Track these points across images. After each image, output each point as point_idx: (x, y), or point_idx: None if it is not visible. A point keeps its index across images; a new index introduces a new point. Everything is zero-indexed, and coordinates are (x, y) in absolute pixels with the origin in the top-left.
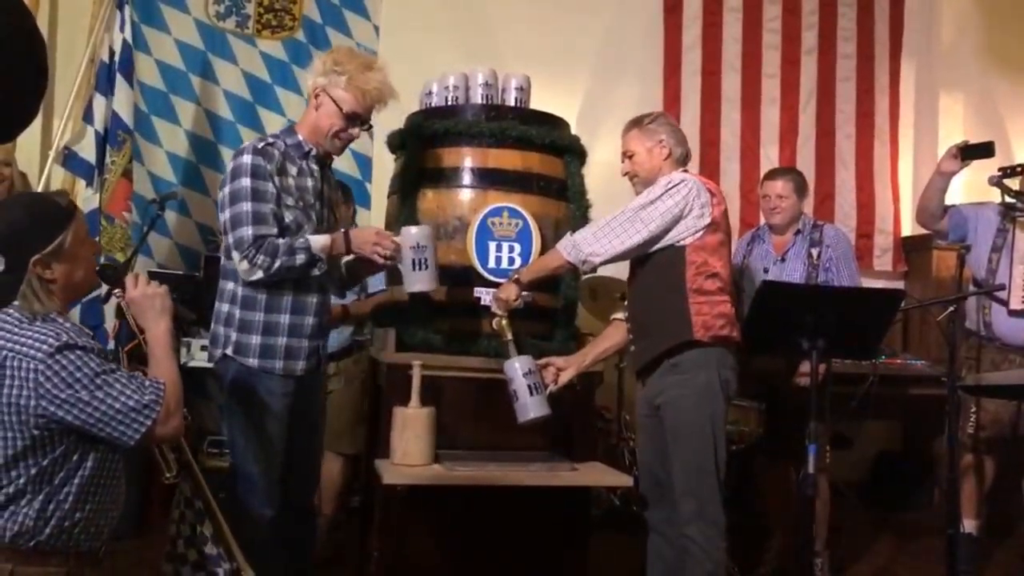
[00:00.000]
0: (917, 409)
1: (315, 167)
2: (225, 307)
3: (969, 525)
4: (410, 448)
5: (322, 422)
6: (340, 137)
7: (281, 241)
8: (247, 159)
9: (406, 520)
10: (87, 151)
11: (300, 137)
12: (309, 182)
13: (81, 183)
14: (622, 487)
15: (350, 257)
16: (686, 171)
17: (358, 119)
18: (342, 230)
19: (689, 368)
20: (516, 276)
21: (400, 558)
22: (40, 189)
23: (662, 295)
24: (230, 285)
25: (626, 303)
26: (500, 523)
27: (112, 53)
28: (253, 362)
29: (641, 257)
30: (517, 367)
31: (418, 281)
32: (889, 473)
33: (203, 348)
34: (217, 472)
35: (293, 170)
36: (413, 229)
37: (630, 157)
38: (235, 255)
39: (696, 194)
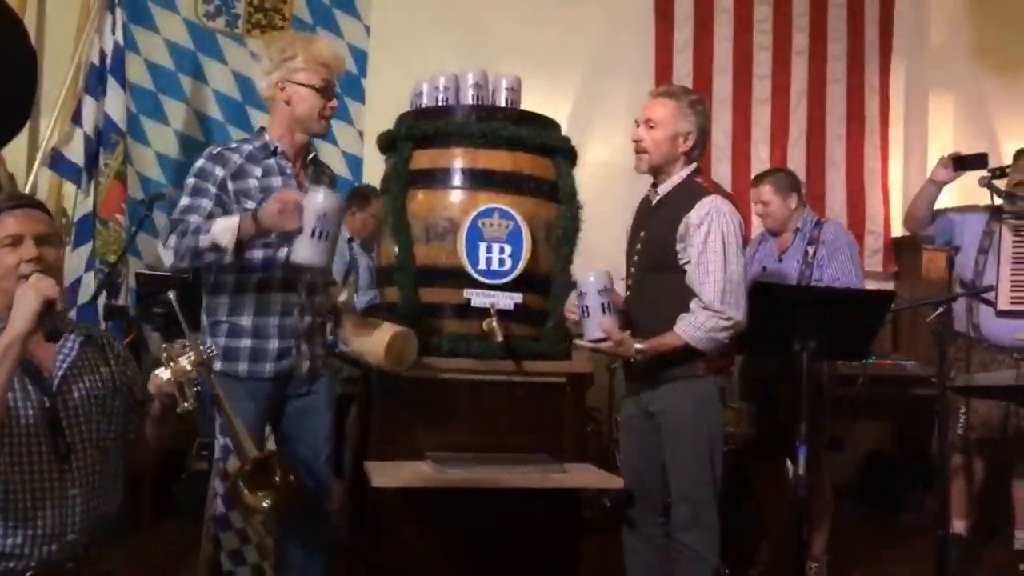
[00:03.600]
0: (908, 410)
1: (286, 164)
2: (203, 316)
3: (959, 525)
4: None
5: (332, 422)
6: (324, 115)
7: (193, 222)
8: (199, 161)
9: (396, 522)
10: (75, 153)
11: (267, 138)
12: (276, 180)
13: (69, 186)
14: (613, 489)
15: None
16: (699, 170)
17: (330, 90)
18: (252, 211)
19: (687, 376)
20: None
21: (390, 559)
22: (27, 190)
23: (675, 311)
24: (203, 292)
25: (631, 299)
26: (490, 525)
27: (103, 56)
28: (217, 365)
29: (651, 269)
30: (592, 281)
31: (310, 250)
32: (880, 473)
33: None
34: (207, 475)
35: (257, 171)
36: (321, 194)
37: (651, 127)
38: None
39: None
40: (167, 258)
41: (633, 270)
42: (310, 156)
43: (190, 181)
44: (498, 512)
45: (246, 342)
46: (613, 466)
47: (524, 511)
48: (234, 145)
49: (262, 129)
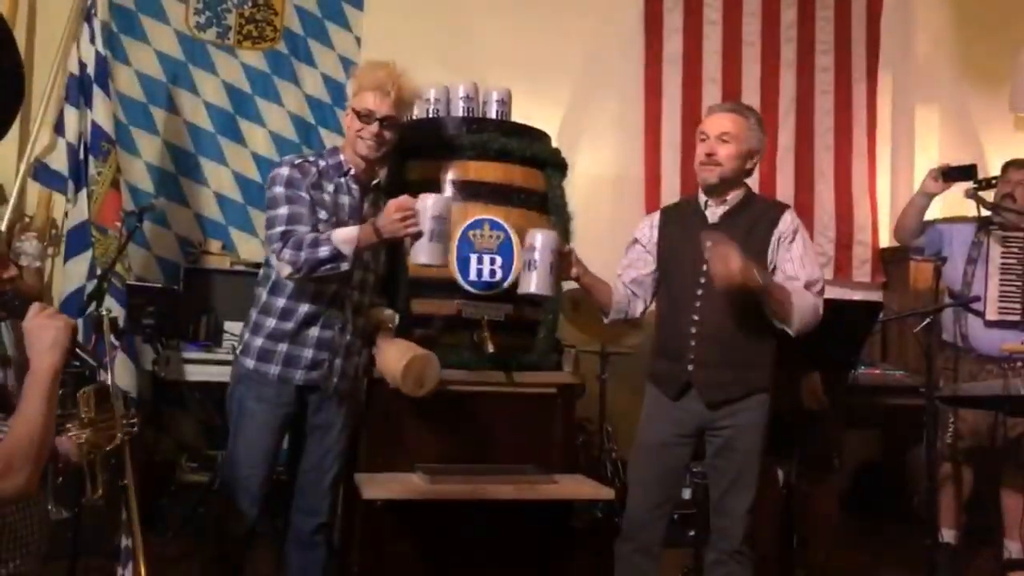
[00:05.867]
0: (896, 419)
1: (354, 186)
2: (252, 312)
3: (948, 535)
4: None
5: (345, 443)
6: (360, 136)
7: (308, 235)
8: (283, 171)
9: (386, 535)
10: (58, 163)
11: (341, 157)
12: (345, 199)
13: (59, 196)
14: (604, 499)
15: None
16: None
17: (369, 115)
18: (370, 220)
19: (761, 398)
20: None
21: (380, 571)
22: (14, 199)
23: (756, 332)
24: (259, 290)
25: (696, 318)
26: (481, 537)
27: (83, 66)
28: (250, 363)
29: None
30: (539, 238)
31: (430, 253)
32: (868, 483)
33: (184, 361)
34: (197, 487)
35: (329, 187)
36: (433, 199)
37: (725, 141)
38: (270, 255)
39: None
40: (284, 270)
41: (703, 280)
42: (374, 182)
43: (280, 191)
44: (489, 523)
45: (283, 347)
46: (604, 477)
47: (515, 522)
48: (312, 158)
49: (336, 149)
